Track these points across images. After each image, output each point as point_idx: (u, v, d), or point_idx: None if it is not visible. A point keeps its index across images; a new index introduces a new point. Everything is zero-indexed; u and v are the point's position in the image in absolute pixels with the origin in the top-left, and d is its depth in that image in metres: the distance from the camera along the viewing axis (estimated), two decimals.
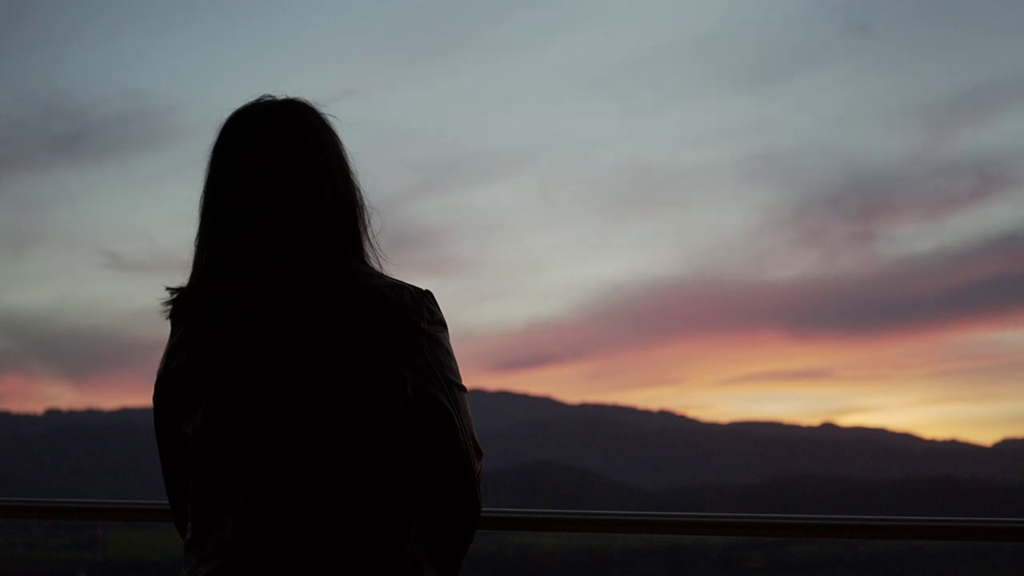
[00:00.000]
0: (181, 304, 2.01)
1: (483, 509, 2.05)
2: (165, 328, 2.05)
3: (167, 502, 2.17)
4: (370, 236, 2.06)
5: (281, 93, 2.06)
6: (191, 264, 2.03)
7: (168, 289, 2.02)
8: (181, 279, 2.03)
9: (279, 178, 1.97)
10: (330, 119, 2.07)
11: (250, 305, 1.94)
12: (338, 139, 2.06)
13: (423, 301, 1.97)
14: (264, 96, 2.06)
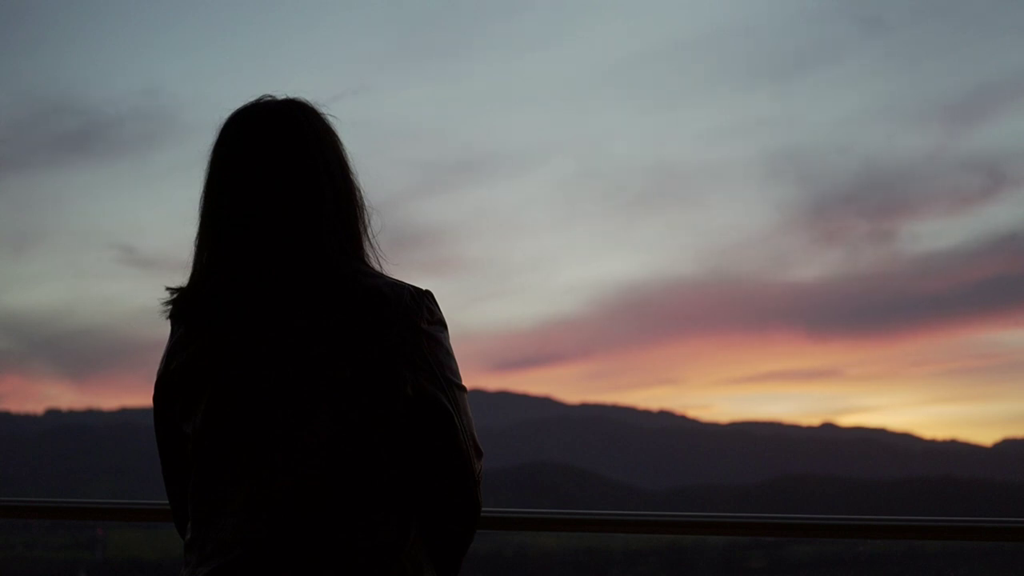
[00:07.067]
0: (181, 304, 2.01)
1: (483, 509, 2.05)
2: (165, 328, 2.05)
3: (167, 502, 2.17)
4: (370, 236, 2.05)
5: (281, 93, 2.06)
6: (191, 264, 2.03)
7: (168, 289, 2.02)
8: (181, 279, 2.02)
9: (279, 178, 1.97)
10: (330, 119, 2.07)
11: (250, 305, 1.94)
12: (338, 139, 2.06)
13: (423, 301, 1.97)
14: (264, 96, 2.06)
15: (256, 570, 1.87)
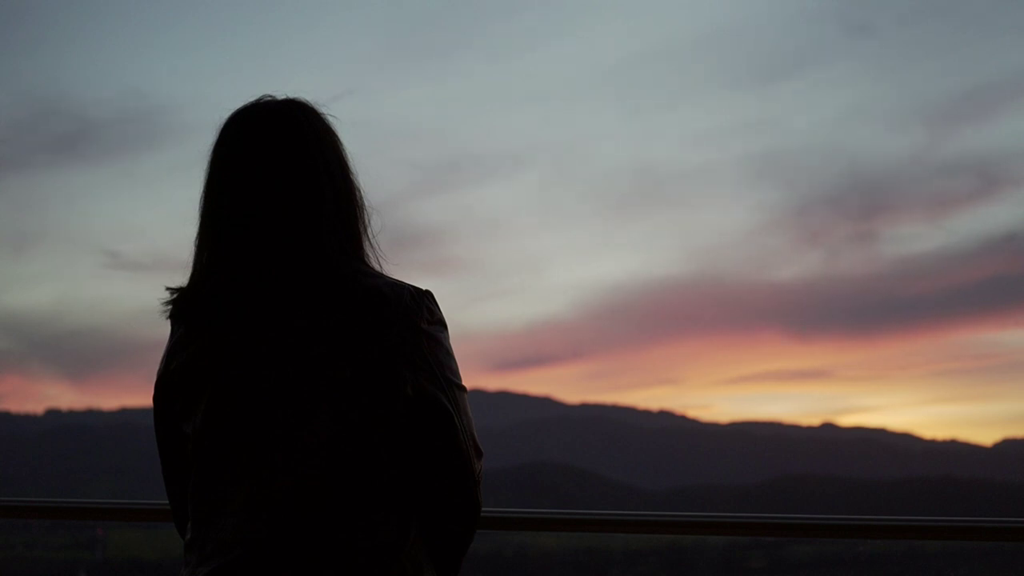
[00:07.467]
0: (181, 304, 2.01)
1: (483, 509, 2.05)
2: (165, 328, 2.05)
3: (167, 502, 2.17)
4: (370, 236, 2.05)
5: (281, 93, 2.06)
6: (191, 264, 2.03)
7: (168, 289, 2.02)
8: (181, 279, 2.02)
9: (279, 178, 1.97)
10: (330, 119, 2.06)
11: (250, 305, 1.94)
12: (338, 139, 2.05)
13: (423, 301, 1.97)
14: (264, 96, 2.06)
15: (256, 570, 1.87)
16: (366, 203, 2.05)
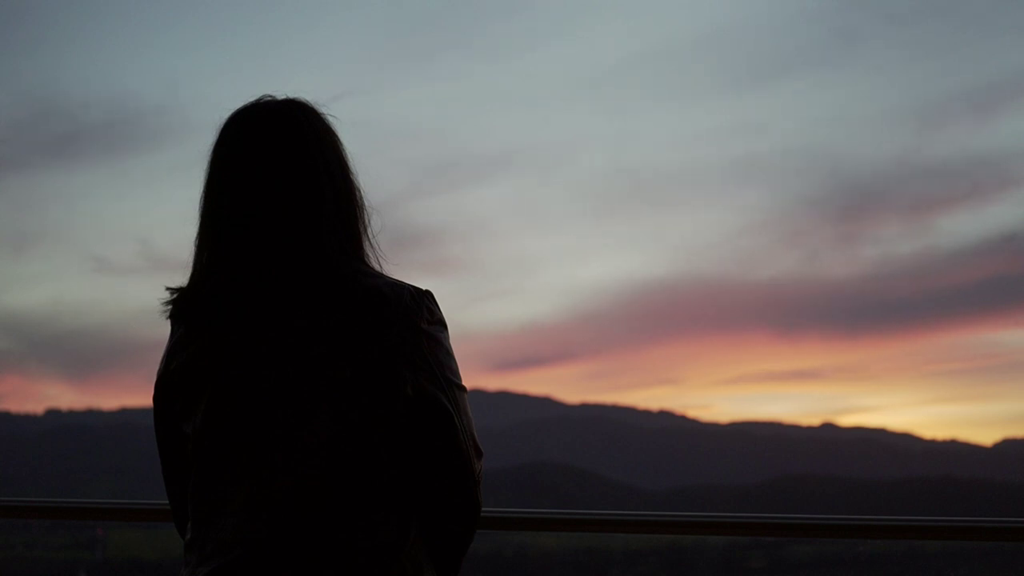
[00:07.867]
0: (181, 304, 2.01)
1: (483, 509, 2.05)
2: (165, 328, 2.05)
3: (167, 502, 2.17)
4: (370, 236, 2.06)
5: (281, 93, 2.06)
6: (191, 264, 2.03)
7: (168, 289, 2.02)
8: (181, 279, 2.03)
9: (279, 178, 1.97)
10: (330, 119, 2.07)
11: (250, 305, 1.94)
12: (338, 139, 2.06)
13: (423, 301, 1.97)
14: (264, 96, 2.06)
15: (256, 570, 1.87)
16: (366, 203, 2.06)
